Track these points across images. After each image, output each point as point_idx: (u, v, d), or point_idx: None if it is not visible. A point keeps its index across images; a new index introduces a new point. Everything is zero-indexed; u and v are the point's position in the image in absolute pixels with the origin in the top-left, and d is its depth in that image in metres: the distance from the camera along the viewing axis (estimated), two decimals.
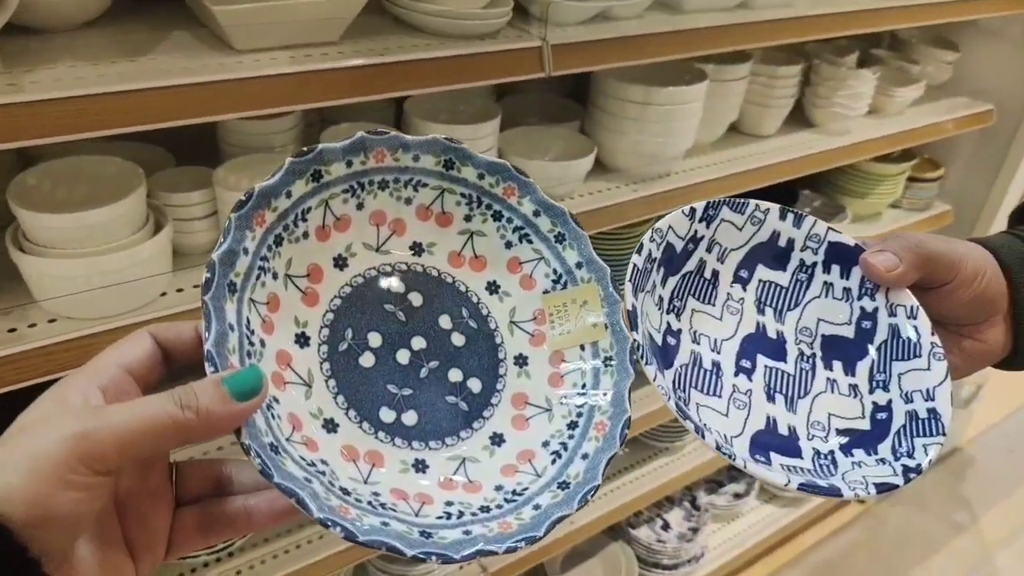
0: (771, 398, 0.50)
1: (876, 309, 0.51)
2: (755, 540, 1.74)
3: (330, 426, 0.43)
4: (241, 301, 0.40)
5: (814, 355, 0.51)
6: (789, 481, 0.43)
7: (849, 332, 0.51)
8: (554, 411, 0.47)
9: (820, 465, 0.46)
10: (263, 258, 0.42)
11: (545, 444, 0.46)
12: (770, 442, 0.47)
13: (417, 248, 0.49)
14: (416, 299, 0.48)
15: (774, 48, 1.34)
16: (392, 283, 0.47)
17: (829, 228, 0.52)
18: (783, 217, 0.52)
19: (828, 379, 0.51)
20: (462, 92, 1.01)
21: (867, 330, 0.51)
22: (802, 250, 0.53)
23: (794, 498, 1.81)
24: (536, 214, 0.49)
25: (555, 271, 0.49)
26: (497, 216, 0.49)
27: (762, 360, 0.51)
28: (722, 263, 0.52)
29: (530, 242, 0.49)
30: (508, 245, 0.49)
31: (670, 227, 0.50)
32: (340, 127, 0.94)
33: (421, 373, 0.46)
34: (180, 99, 0.68)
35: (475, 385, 0.47)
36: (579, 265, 0.49)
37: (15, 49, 0.70)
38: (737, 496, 1.76)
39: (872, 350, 0.50)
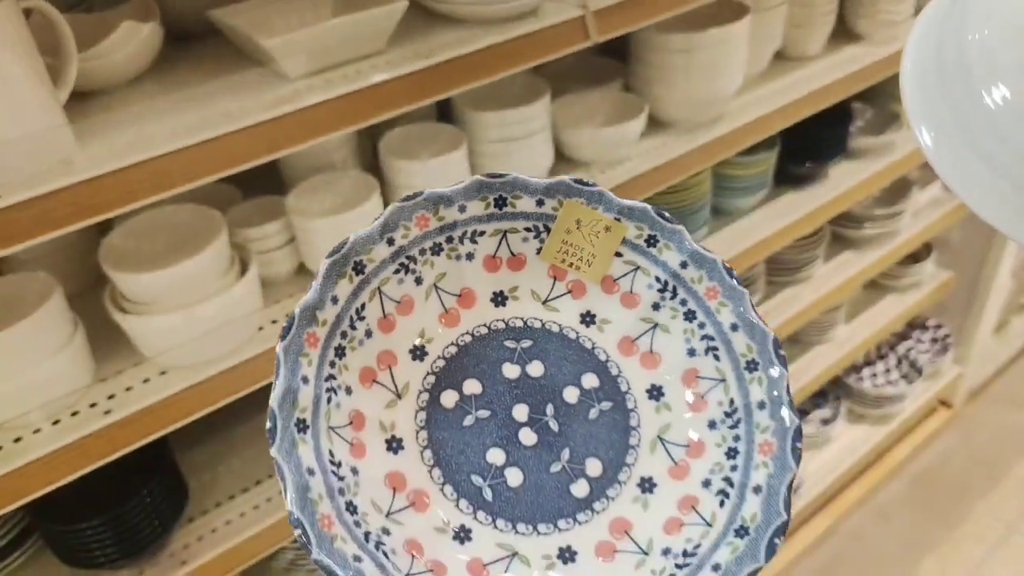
0: None
1: None
2: (850, 461, 1.73)
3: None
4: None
5: None
6: None
7: None
8: (659, 320, 0.42)
9: None
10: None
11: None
12: None
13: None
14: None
15: None
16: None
17: None
18: None
19: None
20: None
21: None
22: None
23: (882, 415, 1.80)
24: (463, 209, 0.41)
25: (526, 229, 0.42)
26: (436, 250, 0.42)
27: None
28: None
29: (482, 233, 0.42)
30: (469, 257, 0.43)
31: None
32: (394, 132, 0.93)
33: (554, 428, 0.41)
34: (251, 140, 0.69)
35: (591, 380, 0.42)
36: (540, 203, 0.41)
37: (77, 115, 0.71)
38: (825, 422, 1.76)
39: None
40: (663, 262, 0.41)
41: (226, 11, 0.79)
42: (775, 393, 0.38)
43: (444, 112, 1.01)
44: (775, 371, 0.38)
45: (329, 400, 0.37)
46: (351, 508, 0.36)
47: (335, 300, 0.38)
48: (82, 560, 0.82)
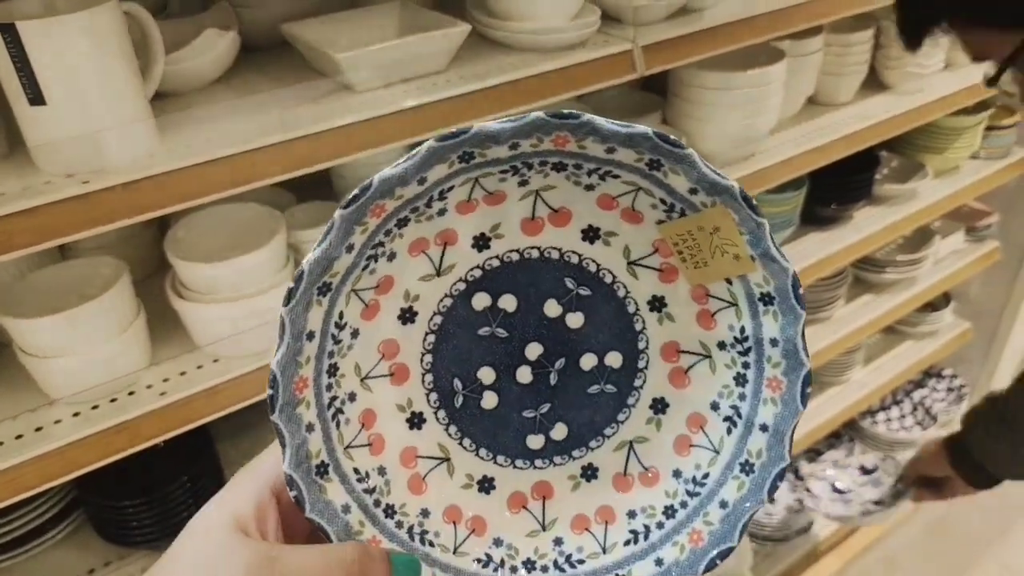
0: None
1: None
2: None
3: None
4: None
5: None
6: None
7: None
8: (714, 357, 0.40)
9: None
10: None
11: (715, 407, 0.40)
12: None
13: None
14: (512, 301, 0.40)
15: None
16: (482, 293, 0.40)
17: None
18: None
19: None
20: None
21: None
22: None
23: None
24: (611, 151, 0.34)
25: (662, 200, 0.36)
26: (559, 167, 0.36)
27: None
28: None
29: (615, 177, 0.36)
30: (589, 188, 0.38)
31: None
32: None
33: (551, 380, 0.41)
34: (319, 145, 0.73)
35: (615, 359, 0.41)
36: (693, 191, 0.35)
37: (157, 113, 0.75)
38: (837, 463, 1.77)
39: None
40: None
41: (298, 25, 0.84)
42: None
43: None
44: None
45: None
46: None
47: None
48: (120, 537, 0.86)
